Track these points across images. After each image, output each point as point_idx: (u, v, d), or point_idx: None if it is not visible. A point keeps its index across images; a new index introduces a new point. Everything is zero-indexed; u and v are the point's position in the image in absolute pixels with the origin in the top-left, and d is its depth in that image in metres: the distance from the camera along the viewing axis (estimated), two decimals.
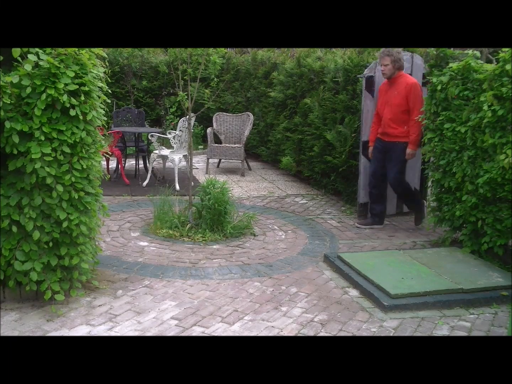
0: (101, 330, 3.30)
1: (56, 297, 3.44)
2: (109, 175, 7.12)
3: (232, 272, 4.33)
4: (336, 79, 6.65)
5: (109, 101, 4.07)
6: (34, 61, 3.16)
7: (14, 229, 3.30)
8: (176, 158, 7.19)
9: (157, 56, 10.77)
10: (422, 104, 5.12)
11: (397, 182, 5.49)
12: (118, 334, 3.25)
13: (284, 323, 3.49)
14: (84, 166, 3.45)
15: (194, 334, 3.30)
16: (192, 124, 5.91)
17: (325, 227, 5.62)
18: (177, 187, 6.89)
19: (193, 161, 6.46)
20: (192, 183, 5.49)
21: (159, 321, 3.44)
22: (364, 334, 3.38)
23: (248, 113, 8.81)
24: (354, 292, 4.02)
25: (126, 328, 3.34)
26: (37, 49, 3.19)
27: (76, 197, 3.42)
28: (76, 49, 3.32)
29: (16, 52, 3.10)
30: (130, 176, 7.52)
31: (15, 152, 3.22)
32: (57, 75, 3.21)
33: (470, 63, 4.60)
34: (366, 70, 5.67)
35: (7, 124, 3.15)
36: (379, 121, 5.54)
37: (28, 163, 3.24)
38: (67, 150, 3.33)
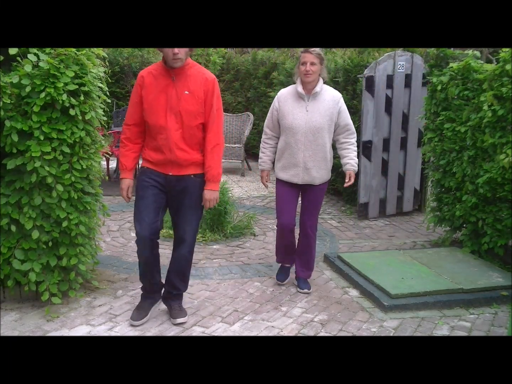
0: (101, 330, 3.30)
1: (53, 300, 3.45)
2: (107, 176, 7.12)
3: (232, 272, 4.33)
4: (336, 79, 6.64)
5: (109, 101, 4.07)
6: (34, 61, 3.16)
7: (13, 228, 3.30)
8: None
9: (157, 56, 10.75)
10: (223, 116, 3.40)
11: (192, 247, 3.56)
12: (118, 334, 3.25)
13: (284, 323, 3.49)
14: (84, 166, 3.45)
15: (194, 334, 3.30)
16: None
17: (325, 227, 5.62)
18: None
19: None
20: None
21: (159, 321, 3.44)
22: (364, 334, 3.38)
23: (248, 113, 8.80)
24: (354, 292, 4.02)
25: (126, 328, 3.34)
26: (35, 50, 3.18)
27: (76, 197, 3.42)
28: (76, 49, 3.32)
29: (12, 50, 3.09)
30: None
31: (14, 151, 3.22)
32: (57, 75, 3.21)
33: (470, 63, 4.60)
34: (366, 70, 5.66)
35: (7, 123, 3.15)
36: (138, 138, 3.32)
37: (28, 162, 3.24)
38: (67, 150, 3.33)
